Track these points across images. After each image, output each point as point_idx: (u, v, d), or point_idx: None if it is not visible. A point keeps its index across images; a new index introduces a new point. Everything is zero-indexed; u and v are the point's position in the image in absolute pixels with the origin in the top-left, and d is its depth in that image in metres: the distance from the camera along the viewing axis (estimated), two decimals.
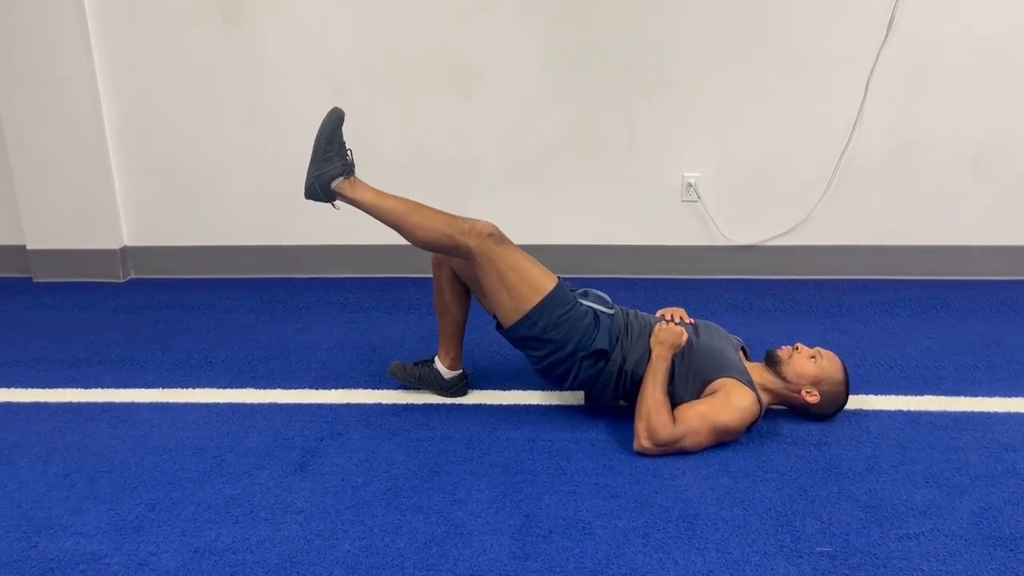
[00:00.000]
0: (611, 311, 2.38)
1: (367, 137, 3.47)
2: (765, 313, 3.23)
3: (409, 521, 1.95)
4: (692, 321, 2.47)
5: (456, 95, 3.46)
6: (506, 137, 3.50)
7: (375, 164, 3.48)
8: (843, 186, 3.46)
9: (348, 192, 2.31)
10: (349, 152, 2.32)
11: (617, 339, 2.32)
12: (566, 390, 2.48)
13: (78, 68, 3.43)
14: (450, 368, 2.53)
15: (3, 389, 2.67)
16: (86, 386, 2.68)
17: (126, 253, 3.74)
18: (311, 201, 2.35)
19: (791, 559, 1.82)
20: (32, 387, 2.68)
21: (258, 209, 3.65)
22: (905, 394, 2.56)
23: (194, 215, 3.68)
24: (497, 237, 2.26)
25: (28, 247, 3.70)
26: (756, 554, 1.84)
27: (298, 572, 1.78)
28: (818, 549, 1.85)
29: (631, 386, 2.31)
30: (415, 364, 2.59)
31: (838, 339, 2.95)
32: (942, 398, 2.54)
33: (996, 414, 2.44)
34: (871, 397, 2.54)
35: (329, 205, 2.35)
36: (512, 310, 2.27)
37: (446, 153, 3.53)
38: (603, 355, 2.30)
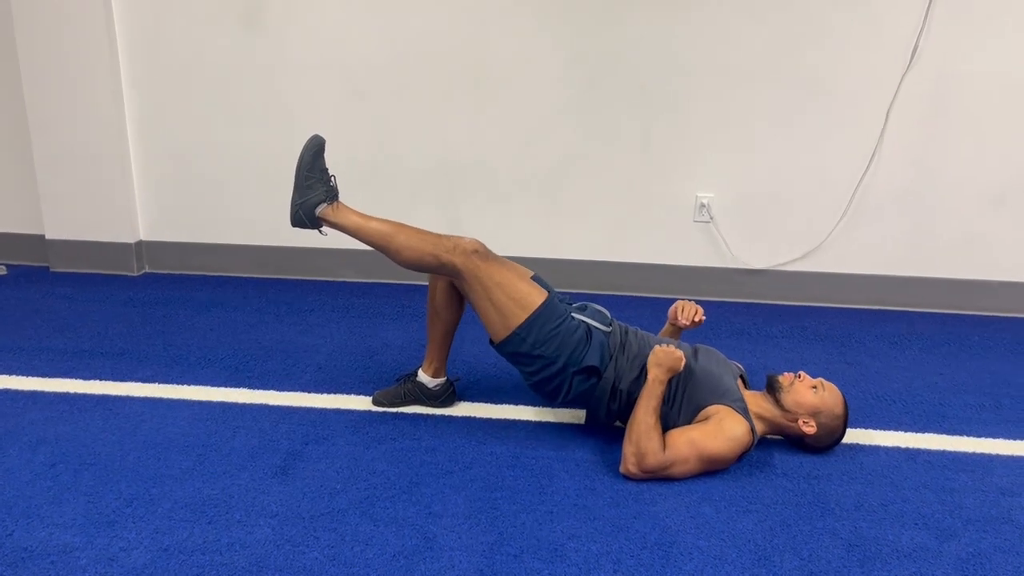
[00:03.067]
0: (607, 328, 2.35)
1: (382, 143, 3.51)
2: (771, 339, 3.18)
3: (381, 532, 1.94)
4: (702, 319, 2.46)
5: (472, 105, 3.46)
6: (520, 148, 3.49)
7: (388, 168, 3.52)
8: (860, 214, 3.40)
9: (332, 217, 2.32)
10: (332, 178, 2.33)
11: (611, 357, 2.29)
12: (559, 406, 2.46)
13: (103, 63, 3.48)
14: (434, 376, 2.52)
15: (4, 376, 2.70)
16: (85, 377, 2.71)
17: (141, 247, 3.79)
18: (299, 228, 2.35)
19: None
20: (33, 375, 2.71)
21: (271, 210, 3.67)
22: (906, 430, 2.50)
23: (209, 213, 3.72)
24: (482, 254, 2.25)
25: (47, 237, 3.76)
26: None
27: None
28: None
29: (626, 406, 2.28)
30: (397, 383, 2.58)
31: (843, 370, 2.89)
32: (943, 437, 2.47)
33: (998, 456, 2.37)
34: (870, 431, 2.48)
35: (316, 232, 2.36)
36: (500, 326, 2.25)
37: (459, 161, 3.53)
38: (595, 372, 2.27)
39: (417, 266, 2.30)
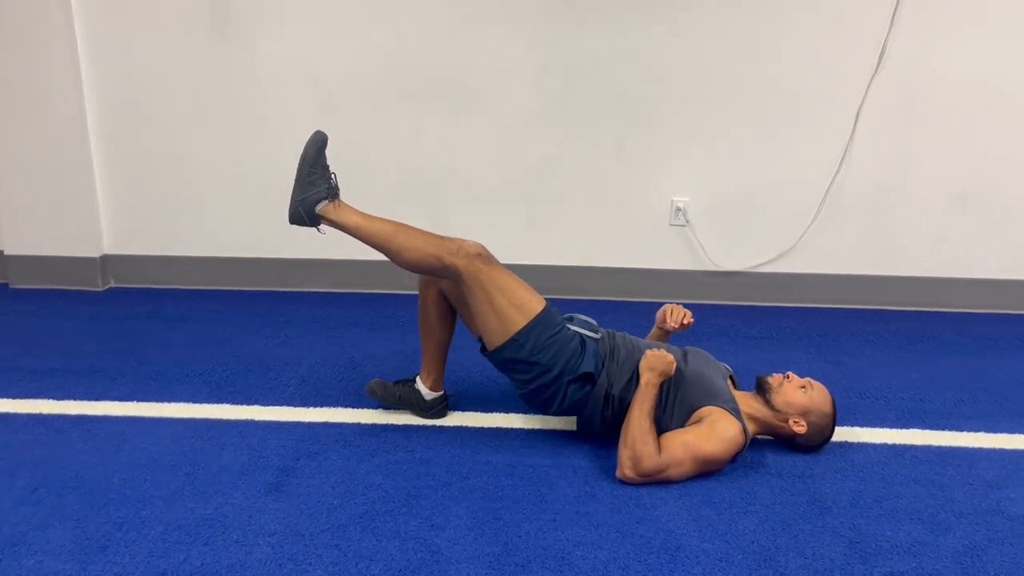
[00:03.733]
0: (597, 335, 2.35)
1: (355, 152, 3.46)
2: (751, 340, 3.21)
3: (384, 547, 1.90)
4: (691, 322, 2.47)
5: (446, 112, 3.44)
6: (495, 156, 3.48)
7: (362, 179, 3.46)
8: (832, 215, 3.46)
9: (333, 215, 2.27)
10: (333, 175, 2.30)
11: (603, 363, 2.29)
12: (552, 415, 2.44)
13: (63, 73, 3.38)
14: (432, 389, 2.49)
15: None
16: (58, 397, 2.61)
17: (106, 261, 3.68)
18: (296, 226, 2.30)
19: None
20: (2, 397, 2.61)
21: (241, 220, 3.61)
22: (891, 427, 2.54)
23: (176, 225, 3.63)
24: (485, 257, 2.23)
25: (6, 252, 3.63)
26: None
27: None
28: None
29: (619, 411, 2.28)
30: (395, 383, 2.54)
31: (824, 369, 2.93)
32: (928, 432, 2.52)
33: (981, 449, 2.42)
34: (856, 429, 2.52)
35: (314, 229, 2.31)
36: (499, 332, 2.23)
37: (434, 170, 3.50)
38: (590, 379, 2.26)
39: (418, 267, 2.27)
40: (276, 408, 2.57)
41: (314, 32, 3.36)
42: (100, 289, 3.66)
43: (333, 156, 2.30)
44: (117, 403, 2.59)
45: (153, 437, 2.38)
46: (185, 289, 3.66)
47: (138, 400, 2.61)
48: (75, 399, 2.61)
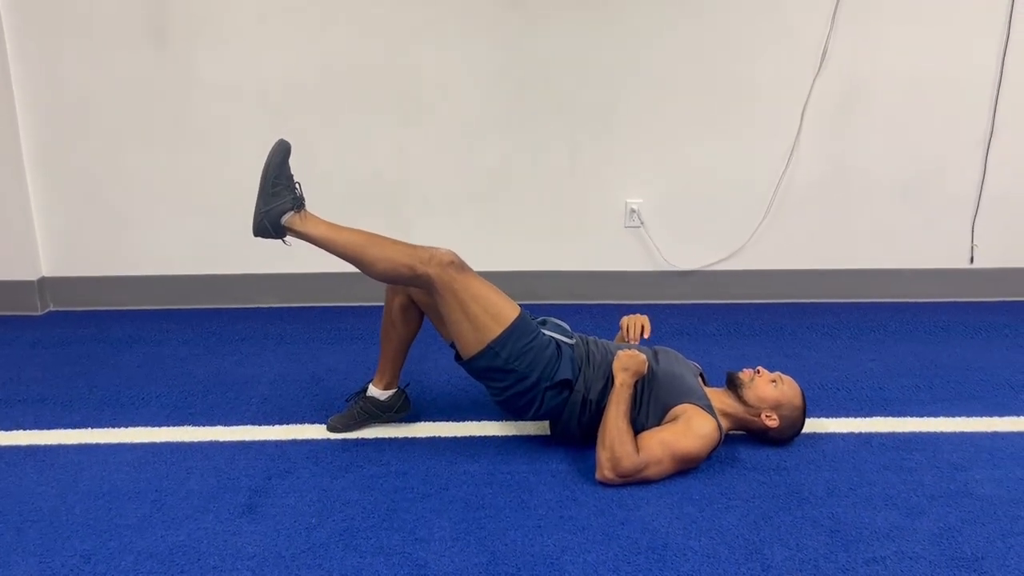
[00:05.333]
0: (571, 340, 2.34)
1: (305, 162, 3.36)
2: (710, 337, 3.25)
3: (370, 563, 1.85)
4: (649, 335, 2.45)
5: (398, 120, 3.40)
6: (449, 162, 3.45)
7: (313, 189, 3.38)
8: (781, 212, 3.53)
9: (299, 227, 2.22)
10: (298, 185, 2.24)
11: (580, 369, 2.28)
12: (528, 421, 2.42)
13: None
14: (385, 389, 2.44)
15: None
16: (6, 428, 2.49)
17: (44, 284, 3.53)
18: (260, 238, 2.24)
19: None
20: None
21: (186, 237, 3.50)
22: (855, 416, 2.59)
23: (119, 243, 3.50)
24: (458, 265, 2.20)
25: None
26: None
27: None
28: None
29: (596, 416, 2.27)
30: (348, 404, 2.49)
31: (784, 363, 2.98)
32: (890, 419, 2.58)
33: (943, 434, 2.48)
34: (823, 420, 2.56)
35: (279, 241, 2.25)
36: (474, 340, 2.20)
37: (388, 179, 3.46)
38: (567, 385, 2.25)
39: (391, 278, 2.23)
40: (240, 428, 2.49)
41: (257, 39, 3.29)
42: (39, 313, 3.50)
43: None
44: (70, 431, 2.48)
45: (112, 464, 2.28)
46: (132, 310, 3.53)
47: (92, 427, 2.50)
48: (24, 429, 2.49)
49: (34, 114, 3.34)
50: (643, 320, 2.47)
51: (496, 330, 2.19)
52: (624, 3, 3.29)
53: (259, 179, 2.18)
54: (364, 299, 3.50)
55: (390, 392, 2.45)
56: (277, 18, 3.27)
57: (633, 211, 3.51)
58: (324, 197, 3.42)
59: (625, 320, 2.49)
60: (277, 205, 2.18)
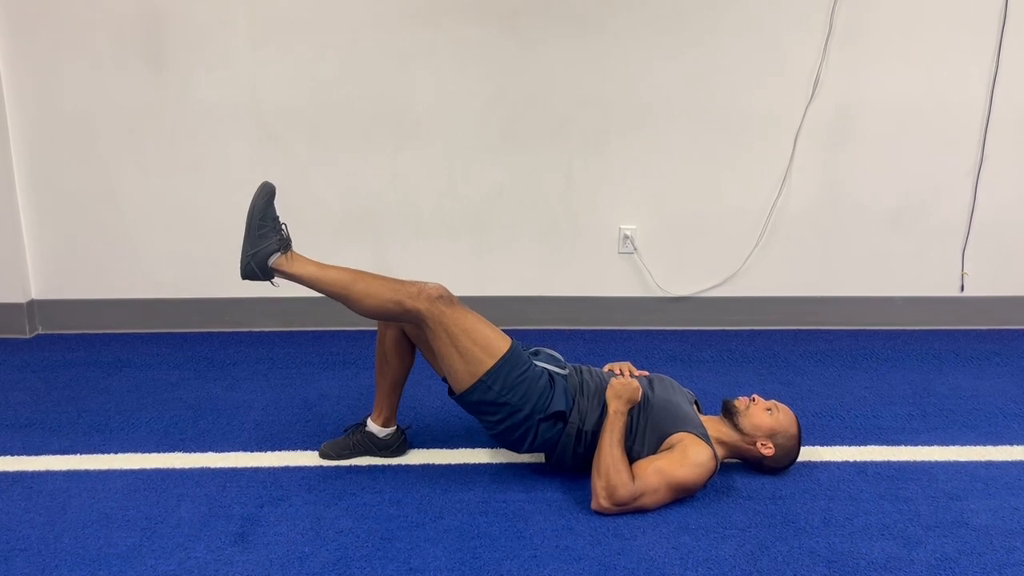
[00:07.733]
0: (564, 371, 2.33)
1: (301, 187, 3.39)
2: (704, 364, 3.24)
3: None
4: (645, 373, 2.44)
5: (392, 145, 3.40)
6: (443, 187, 3.45)
7: (307, 214, 3.40)
8: (774, 239, 3.54)
9: (287, 268, 2.21)
10: (284, 226, 2.23)
11: (574, 400, 2.27)
12: (523, 453, 2.40)
13: None
14: (384, 425, 2.43)
15: None
16: None
17: (33, 307, 3.50)
18: (249, 281, 2.23)
19: None
20: None
21: (178, 260, 3.48)
22: (849, 444, 2.59)
23: (110, 267, 3.48)
24: (447, 299, 2.19)
25: None
26: None
27: None
28: None
29: (591, 447, 2.25)
30: (345, 434, 2.47)
31: (778, 390, 2.98)
32: (885, 448, 2.57)
33: (938, 463, 2.48)
34: (818, 448, 2.55)
35: (267, 283, 2.24)
36: (465, 374, 2.19)
37: (381, 203, 3.46)
38: (561, 417, 2.24)
39: (378, 314, 2.22)
40: (232, 454, 2.46)
41: (254, 64, 3.29)
42: (28, 336, 3.47)
43: (277, 192, 2.24)
44: (58, 457, 2.45)
45: (101, 492, 2.25)
46: (122, 333, 3.50)
47: (81, 453, 2.47)
48: (11, 455, 2.46)
49: (26, 135, 3.33)
50: (627, 366, 2.47)
51: (488, 363, 2.18)
52: (618, 31, 3.32)
53: (244, 223, 2.17)
54: (357, 324, 3.47)
55: (389, 430, 2.43)
56: (272, 43, 3.28)
57: (626, 237, 3.51)
58: (318, 221, 3.45)
59: (608, 367, 2.49)
60: (264, 247, 2.18)
